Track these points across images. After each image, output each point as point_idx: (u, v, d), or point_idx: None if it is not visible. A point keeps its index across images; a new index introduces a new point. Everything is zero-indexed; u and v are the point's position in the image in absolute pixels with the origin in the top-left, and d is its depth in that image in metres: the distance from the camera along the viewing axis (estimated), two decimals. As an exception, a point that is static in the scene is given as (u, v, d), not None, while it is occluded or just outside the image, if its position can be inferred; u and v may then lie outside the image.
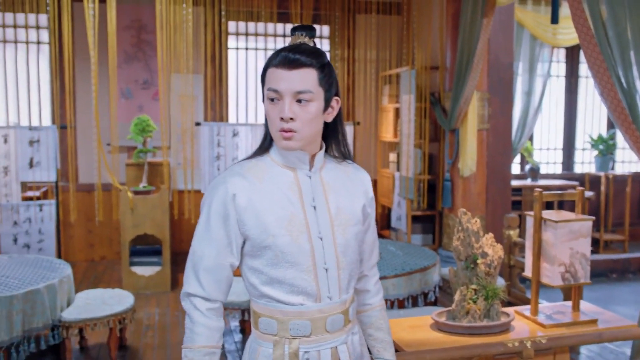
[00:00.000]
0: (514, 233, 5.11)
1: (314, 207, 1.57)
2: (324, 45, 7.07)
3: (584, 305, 3.05)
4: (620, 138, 8.21)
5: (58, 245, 5.67)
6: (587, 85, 8.03)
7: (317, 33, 7.00)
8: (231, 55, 6.87)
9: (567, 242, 2.84)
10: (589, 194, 7.37)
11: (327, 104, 1.55)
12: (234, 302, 3.95)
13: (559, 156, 8.08)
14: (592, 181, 7.80)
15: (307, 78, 1.48)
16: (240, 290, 4.09)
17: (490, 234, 2.95)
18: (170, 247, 5.71)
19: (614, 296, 5.80)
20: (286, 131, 1.50)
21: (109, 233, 6.64)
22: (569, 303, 3.11)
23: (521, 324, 2.83)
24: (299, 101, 1.49)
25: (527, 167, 7.38)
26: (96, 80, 5.34)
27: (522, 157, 7.77)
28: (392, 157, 6.83)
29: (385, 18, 6.92)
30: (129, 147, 6.37)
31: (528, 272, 3.00)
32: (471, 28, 5.22)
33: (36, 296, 3.34)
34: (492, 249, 2.92)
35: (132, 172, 5.88)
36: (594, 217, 2.87)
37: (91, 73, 5.43)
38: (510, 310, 2.95)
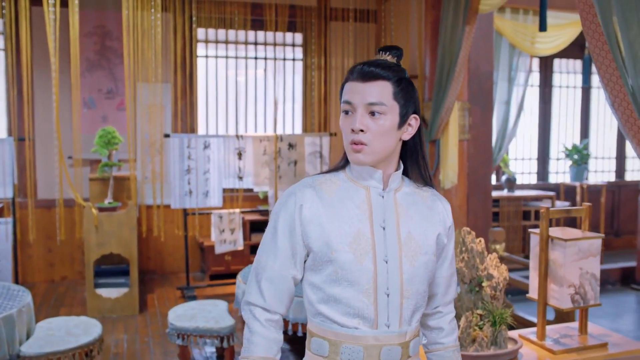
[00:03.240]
0: (500, 247, 4.96)
1: (383, 228, 1.51)
2: (297, 53, 6.85)
3: (590, 327, 2.88)
4: (594, 147, 8.20)
5: (15, 266, 5.28)
6: (561, 95, 8.00)
7: (290, 41, 6.81)
8: (201, 63, 6.57)
9: (577, 261, 2.67)
10: (564, 204, 7.31)
11: (402, 120, 1.50)
12: (212, 329, 3.67)
13: (533, 166, 8.01)
14: (567, 191, 7.75)
15: (380, 90, 1.45)
16: (218, 315, 3.81)
17: (494, 254, 2.76)
18: (139, 267, 5.36)
19: (593, 309, 5.69)
20: (356, 143, 1.46)
21: (70, 252, 6.23)
22: (574, 324, 2.94)
23: (529, 351, 2.65)
24: (372, 114, 1.46)
25: (504, 177, 7.28)
26: (57, 89, 4.99)
27: (498, 168, 7.67)
28: (369, 168, 6.62)
29: (363, 26, 6.73)
30: (92, 160, 6.01)
31: (533, 294, 2.81)
32: (452, 36, 5.07)
33: (-8, 329, 2.99)
34: (497, 270, 2.73)
35: (96, 187, 5.53)
36: (603, 235, 2.70)
37: (52, 81, 5.08)
38: (514, 334, 2.77)
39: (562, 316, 4.13)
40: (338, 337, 1.49)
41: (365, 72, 1.45)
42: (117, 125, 5.98)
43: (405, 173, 1.61)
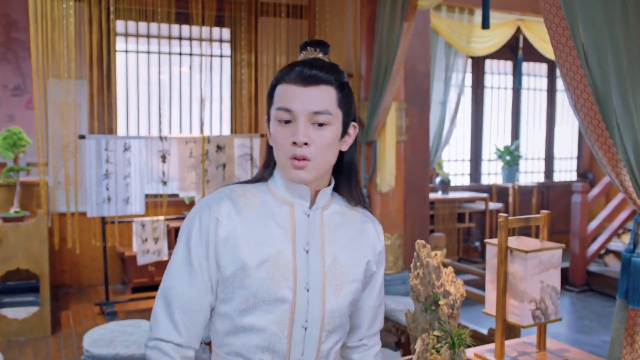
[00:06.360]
0: (441, 253, 4.79)
1: (307, 252, 1.33)
2: (225, 49, 6.46)
3: (548, 341, 2.71)
4: (524, 149, 8.26)
5: None
6: (492, 96, 7.99)
7: (217, 36, 6.41)
8: (120, 58, 6.06)
9: (537, 274, 2.47)
10: (497, 205, 7.29)
11: (344, 129, 1.33)
12: (134, 356, 3.26)
13: (466, 167, 7.95)
14: (499, 192, 7.75)
15: (325, 97, 1.27)
16: (140, 338, 3.40)
17: (450, 268, 2.52)
18: (51, 281, 4.83)
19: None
20: (299, 159, 1.25)
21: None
22: (530, 339, 2.76)
23: (490, 373, 2.43)
24: (317, 124, 1.27)
25: (438, 179, 7.17)
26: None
27: (432, 169, 7.57)
28: (302, 171, 6.34)
29: (295, 22, 6.42)
30: (-5, 164, 5.41)
31: (490, 309, 2.59)
32: (389, 33, 4.86)
33: None
34: (453, 286, 2.50)
35: None
36: (564, 245, 2.52)
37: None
38: (469, 353, 2.55)
39: (507, 326, 3.99)
40: None
41: (307, 75, 1.25)
42: (25, 126, 5.41)
43: (335, 188, 1.43)
